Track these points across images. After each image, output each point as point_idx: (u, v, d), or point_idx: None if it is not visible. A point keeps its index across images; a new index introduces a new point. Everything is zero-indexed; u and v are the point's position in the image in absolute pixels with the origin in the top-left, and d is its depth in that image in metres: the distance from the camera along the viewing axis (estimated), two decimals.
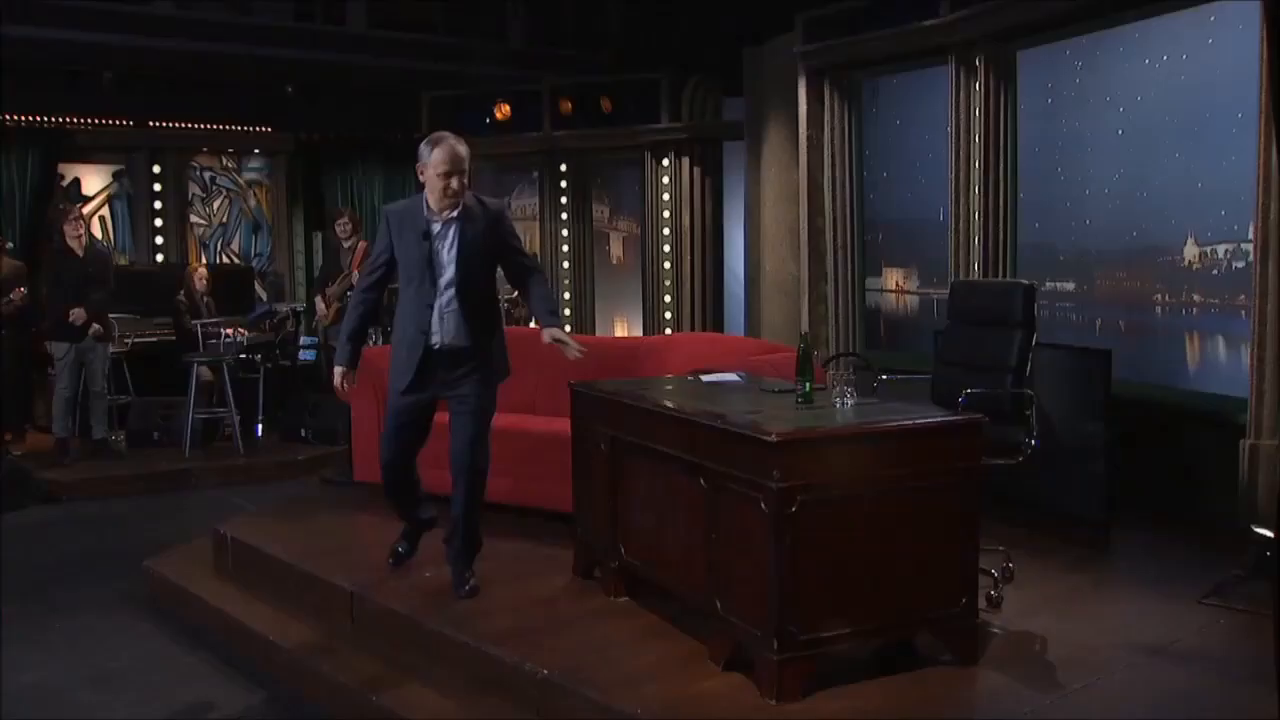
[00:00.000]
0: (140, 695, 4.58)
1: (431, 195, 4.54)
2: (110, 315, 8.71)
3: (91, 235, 11.00)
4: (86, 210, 11.19)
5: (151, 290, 10.13)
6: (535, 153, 12.32)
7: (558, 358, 6.49)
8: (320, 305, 9.27)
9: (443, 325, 4.54)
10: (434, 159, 4.50)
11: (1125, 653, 3.95)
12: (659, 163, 11.47)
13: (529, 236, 12.35)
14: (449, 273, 4.54)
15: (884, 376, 5.14)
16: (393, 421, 4.72)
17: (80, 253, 8.36)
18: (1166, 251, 6.17)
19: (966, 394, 4.31)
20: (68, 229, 8.36)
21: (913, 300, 8.34)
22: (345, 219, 9.29)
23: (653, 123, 11.43)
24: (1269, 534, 4.49)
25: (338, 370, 4.79)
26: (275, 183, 12.45)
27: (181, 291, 9.56)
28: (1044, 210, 7.02)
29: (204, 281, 9.66)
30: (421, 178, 4.57)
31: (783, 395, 4.23)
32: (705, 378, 4.83)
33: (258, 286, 11.76)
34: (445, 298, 4.54)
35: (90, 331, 8.33)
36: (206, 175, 12.12)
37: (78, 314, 8.21)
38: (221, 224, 12.24)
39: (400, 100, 12.46)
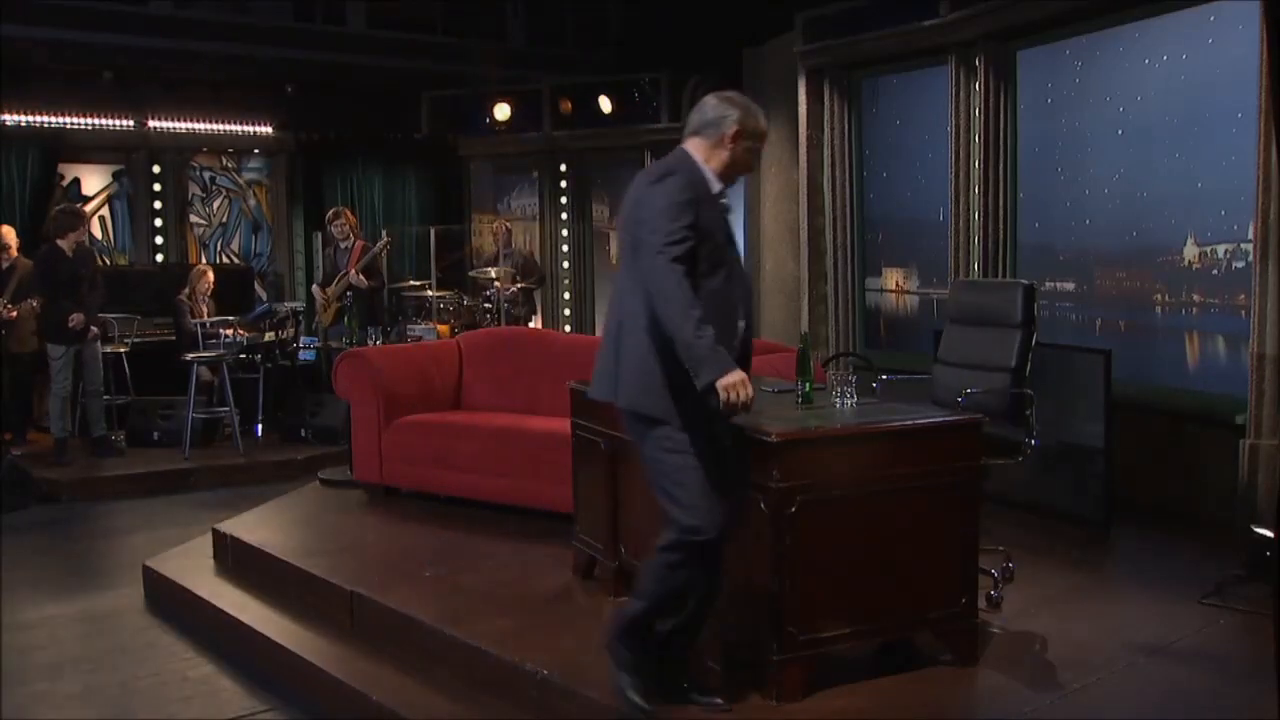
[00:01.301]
0: (140, 695, 4.58)
1: (725, 167, 3.56)
2: (101, 314, 8.71)
3: (88, 233, 11.04)
4: (86, 210, 11.20)
5: (151, 290, 10.13)
6: (535, 153, 12.34)
7: (557, 359, 6.53)
8: (318, 293, 9.28)
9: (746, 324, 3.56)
10: (759, 125, 3.59)
11: (1125, 653, 3.95)
12: None
13: (529, 237, 12.37)
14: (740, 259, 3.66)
15: (884, 376, 5.14)
16: (714, 470, 3.39)
17: (70, 253, 8.35)
18: (1166, 251, 6.17)
19: (966, 394, 4.31)
20: (74, 235, 8.35)
21: (912, 300, 8.34)
22: (343, 219, 9.29)
23: (653, 123, 11.44)
24: (1269, 534, 4.49)
25: (738, 378, 3.25)
26: (275, 183, 12.46)
27: (185, 291, 9.57)
28: (1044, 210, 7.02)
29: (209, 284, 9.68)
30: (724, 141, 3.52)
31: (783, 395, 4.22)
32: None
33: (258, 286, 11.76)
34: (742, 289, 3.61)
35: (89, 335, 8.34)
36: (206, 175, 12.13)
37: (77, 319, 8.20)
38: (221, 224, 12.25)
39: (400, 100, 12.48)
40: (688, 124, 3.58)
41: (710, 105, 3.55)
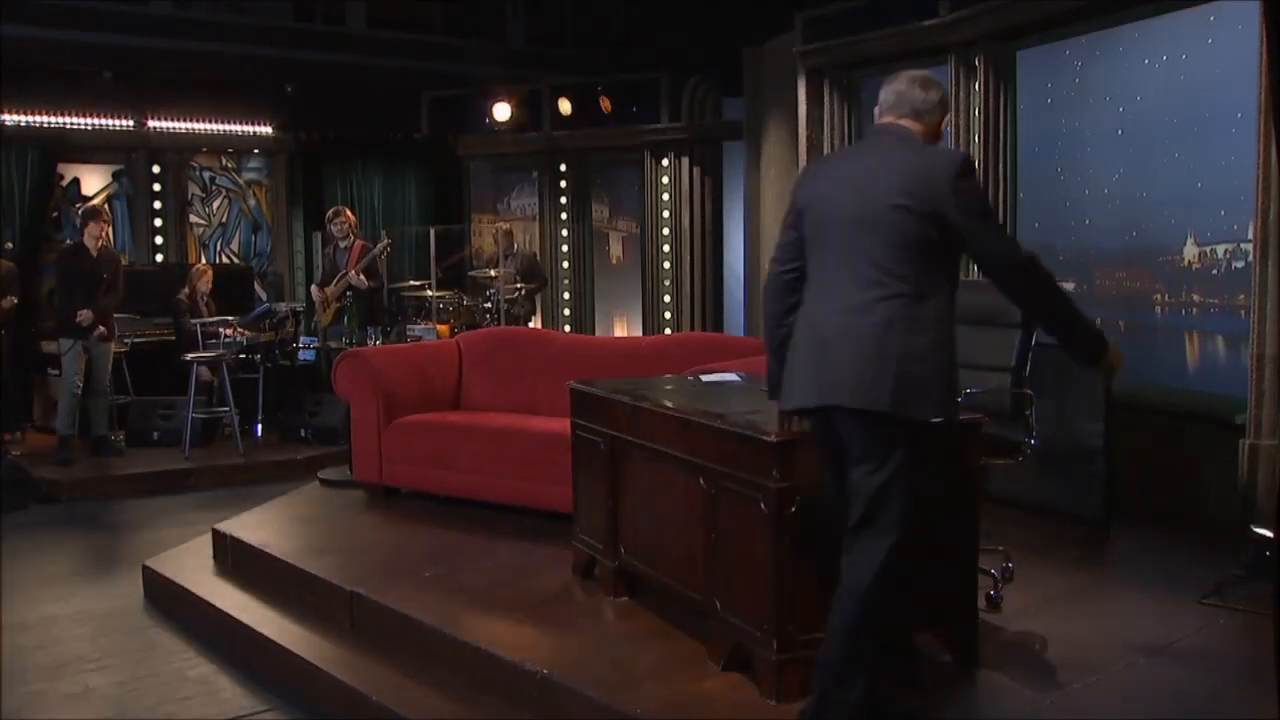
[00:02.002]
0: (139, 696, 4.58)
1: None
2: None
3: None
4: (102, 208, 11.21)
5: (151, 290, 10.13)
6: (535, 153, 12.34)
7: (557, 359, 6.53)
8: (317, 293, 9.28)
9: None
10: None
11: (1125, 653, 3.95)
12: (659, 163, 11.49)
13: (529, 236, 12.37)
14: None
15: None
16: None
17: (95, 253, 8.37)
18: (1166, 251, 6.17)
19: (966, 394, 4.31)
20: (93, 229, 8.36)
21: None
22: (342, 218, 9.28)
23: (653, 123, 11.45)
24: (1269, 534, 4.49)
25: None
26: (275, 183, 12.45)
27: (185, 290, 9.58)
28: (1044, 210, 7.02)
29: (209, 283, 9.70)
30: (941, 125, 3.39)
31: None
32: (705, 378, 4.83)
33: (258, 286, 11.76)
34: None
35: (96, 333, 8.34)
36: (206, 175, 12.12)
37: (85, 315, 8.21)
38: (221, 224, 12.24)
39: (400, 100, 12.48)
40: (897, 104, 3.33)
41: (929, 86, 3.35)
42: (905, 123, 3.32)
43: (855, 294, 3.16)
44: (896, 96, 3.34)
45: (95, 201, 11.11)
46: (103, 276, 8.35)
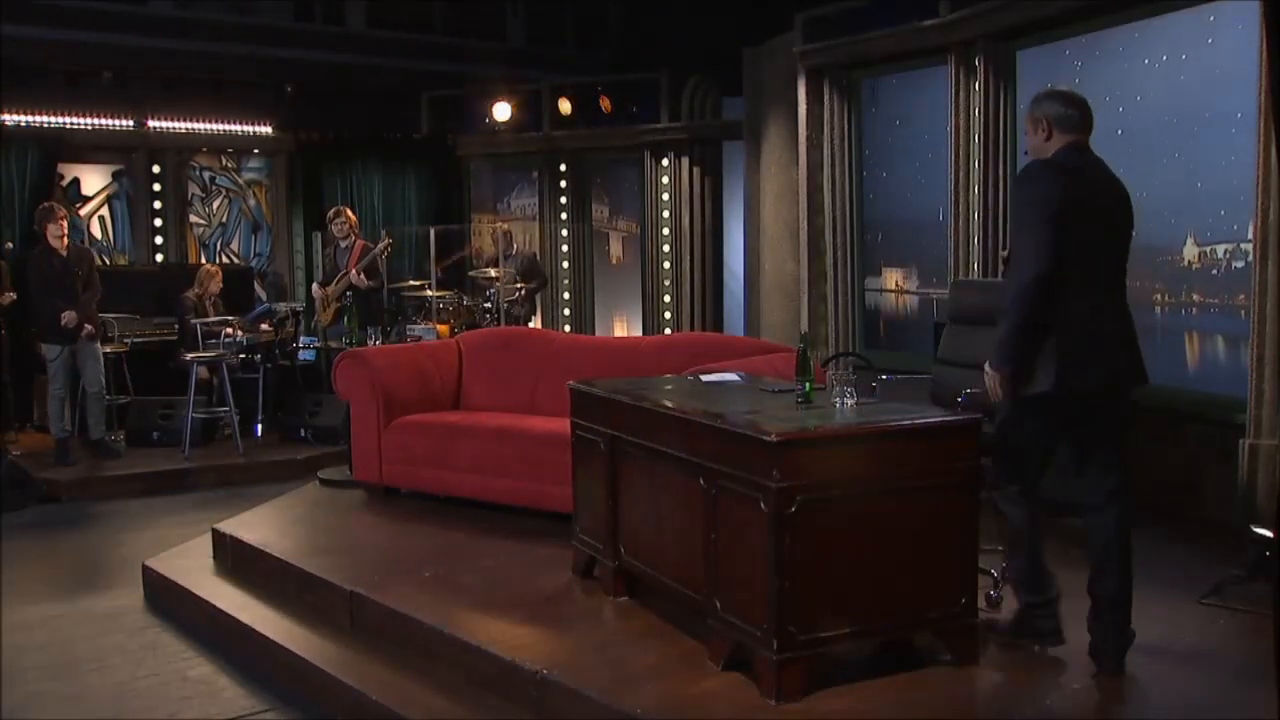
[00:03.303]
0: (139, 696, 4.58)
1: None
2: (101, 314, 8.68)
3: (88, 233, 11.04)
4: (86, 210, 11.20)
5: (151, 290, 10.12)
6: (535, 153, 12.35)
7: (557, 359, 6.53)
8: (318, 292, 9.29)
9: None
10: None
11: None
12: (659, 163, 11.49)
13: (529, 236, 12.38)
14: None
15: (884, 376, 5.14)
16: None
17: (64, 252, 8.31)
18: (1166, 251, 6.17)
19: (966, 394, 4.30)
20: (52, 228, 8.28)
21: (912, 300, 8.34)
22: (343, 217, 9.28)
23: (653, 123, 11.46)
24: (1269, 534, 4.49)
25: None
26: (275, 183, 12.45)
27: (194, 290, 9.57)
28: None
29: (219, 285, 9.70)
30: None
31: (782, 395, 4.23)
32: (705, 378, 4.83)
33: (258, 286, 11.76)
34: None
35: (84, 333, 8.30)
36: (206, 175, 12.12)
37: (70, 317, 8.15)
38: (221, 224, 12.24)
39: (400, 100, 12.49)
40: (1084, 122, 3.78)
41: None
42: (1087, 139, 3.77)
43: (1119, 291, 3.76)
44: (1083, 116, 3.76)
45: (93, 203, 11.14)
46: (77, 274, 8.29)
